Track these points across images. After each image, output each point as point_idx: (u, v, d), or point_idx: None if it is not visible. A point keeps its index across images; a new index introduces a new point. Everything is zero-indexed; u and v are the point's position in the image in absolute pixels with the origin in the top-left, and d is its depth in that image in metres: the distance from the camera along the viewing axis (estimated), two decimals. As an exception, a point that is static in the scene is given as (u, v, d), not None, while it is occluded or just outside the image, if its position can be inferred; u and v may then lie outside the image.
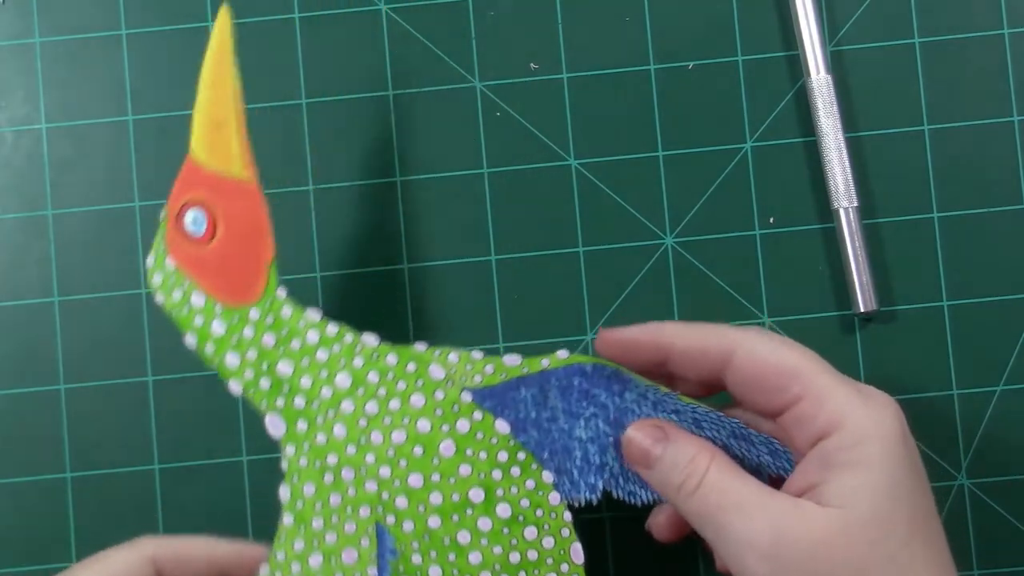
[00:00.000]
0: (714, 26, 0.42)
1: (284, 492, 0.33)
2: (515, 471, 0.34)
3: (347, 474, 0.33)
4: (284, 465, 0.33)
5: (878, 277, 0.40)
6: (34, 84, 0.41)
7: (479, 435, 0.34)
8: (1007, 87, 0.41)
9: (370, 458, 0.33)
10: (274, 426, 0.34)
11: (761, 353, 0.32)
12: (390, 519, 0.33)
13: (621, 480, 0.34)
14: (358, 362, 0.34)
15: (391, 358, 0.34)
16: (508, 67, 0.40)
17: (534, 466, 0.34)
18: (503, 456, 0.34)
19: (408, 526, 0.33)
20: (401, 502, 0.33)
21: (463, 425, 0.34)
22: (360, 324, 0.36)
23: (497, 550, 0.33)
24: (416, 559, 0.33)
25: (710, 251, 0.41)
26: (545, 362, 0.34)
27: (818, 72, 0.40)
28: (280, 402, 0.34)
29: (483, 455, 0.34)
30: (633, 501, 0.34)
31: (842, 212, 0.40)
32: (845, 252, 0.40)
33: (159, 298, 0.34)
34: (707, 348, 0.33)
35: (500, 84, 0.40)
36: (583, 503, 0.34)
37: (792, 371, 0.32)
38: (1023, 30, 0.41)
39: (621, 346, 0.34)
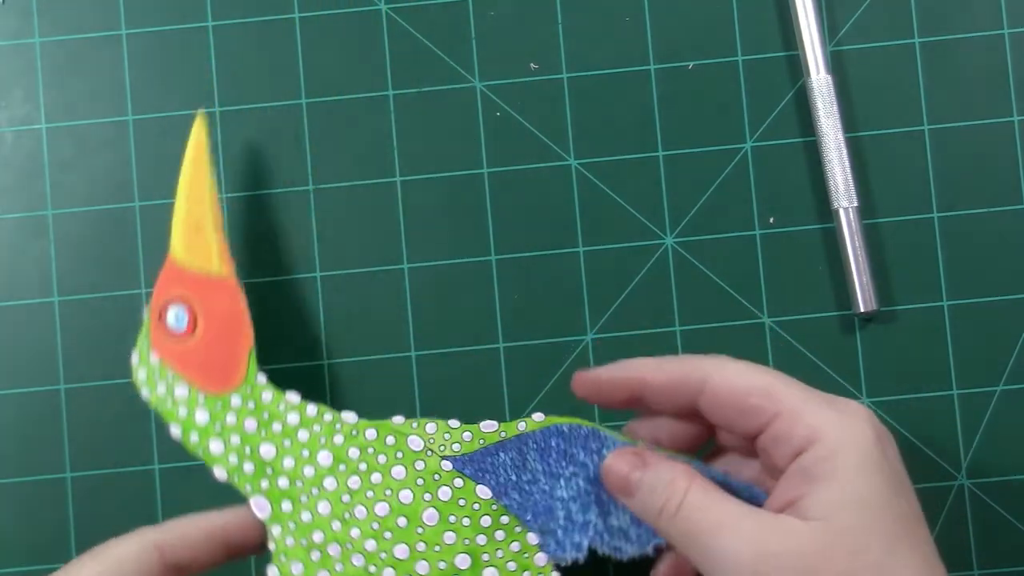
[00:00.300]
0: (714, 26, 0.42)
1: (272, 573, 0.34)
2: (499, 535, 0.35)
3: (333, 550, 0.34)
4: (271, 546, 0.34)
5: (878, 277, 0.40)
6: (34, 84, 0.41)
7: (461, 501, 0.35)
8: (1007, 87, 0.41)
9: (355, 532, 0.34)
10: (260, 508, 0.35)
11: (733, 377, 0.33)
12: None
13: (606, 536, 0.35)
14: (338, 439, 0.35)
15: (370, 433, 0.35)
16: (508, 67, 0.40)
17: (518, 529, 0.35)
18: (486, 521, 0.34)
19: None
20: (388, 574, 0.34)
21: (445, 492, 0.35)
22: (360, 325, 0.37)
23: None
24: None
25: (710, 251, 0.41)
26: (522, 425, 0.35)
27: (818, 72, 0.40)
28: (264, 484, 0.35)
29: (466, 521, 0.34)
30: (619, 556, 0.35)
31: (842, 212, 0.40)
32: (845, 252, 0.40)
33: (144, 393, 0.36)
34: (680, 379, 0.34)
35: (500, 84, 0.40)
36: (569, 562, 0.34)
37: (764, 391, 0.32)
38: (1021, 31, 0.42)
39: (597, 387, 0.35)
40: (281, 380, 0.38)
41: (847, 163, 0.40)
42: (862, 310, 0.40)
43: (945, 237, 0.41)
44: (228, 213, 0.42)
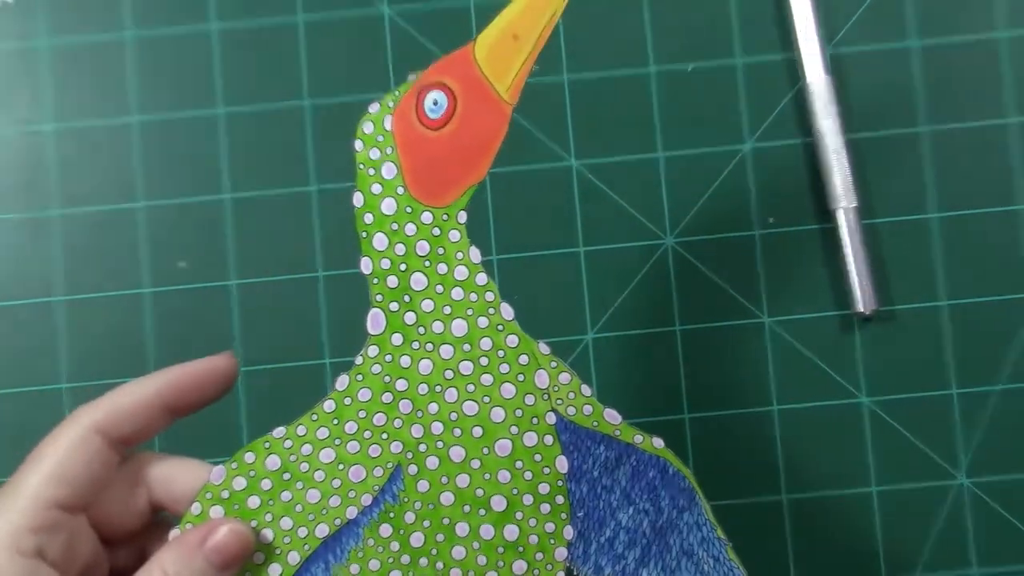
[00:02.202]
0: (713, 28, 0.43)
1: (343, 381, 0.34)
2: (544, 507, 0.35)
3: (404, 407, 0.34)
4: (358, 360, 0.34)
5: (877, 277, 0.41)
6: (40, 86, 0.42)
7: (537, 457, 0.34)
8: (1002, 90, 0.42)
9: (433, 408, 0.34)
10: (375, 323, 0.34)
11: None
12: (412, 469, 0.34)
13: None
14: (483, 322, 0.34)
15: (512, 339, 0.34)
16: (509, 69, 0.40)
17: (563, 515, 0.35)
18: (544, 488, 0.34)
19: (423, 486, 0.34)
20: (431, 462, 0.34)
21: (530, 438, 0.34)
22: (359, 323, 0.37)
23: (481, 560, 0.34)
24: (409, 517, 0.34)
25: (710, 251, 0.42)
26: (639, 439, 0.34)
27: (817, 74, 0.41)
28: (393, 307, 0.34)
29: (528, 475, 0.34)
30: None
31: (841, 212, 0.41)
32: (844, 252, 0.41)
33: (358, 145, 0.34)
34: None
35: (501, 86, 0.40)
36: (577, 575, 0.35)
37: None
38: (1018, 33, 0.42)
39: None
40: (284, 378, 0.38)
41: (846, 164, 0.41)
42: (861, 310, 0.40)
43: (943, 237, 0.42)
44: (233, 213, 0.42)
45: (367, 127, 0.34)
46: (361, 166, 0.34)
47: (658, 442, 0.34)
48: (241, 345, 0.43)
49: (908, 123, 0.42)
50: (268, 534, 0.34)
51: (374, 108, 0.34)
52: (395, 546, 0.34)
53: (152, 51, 0.43)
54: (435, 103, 0.33)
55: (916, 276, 0.42)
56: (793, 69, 0.42)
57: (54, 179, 0.42)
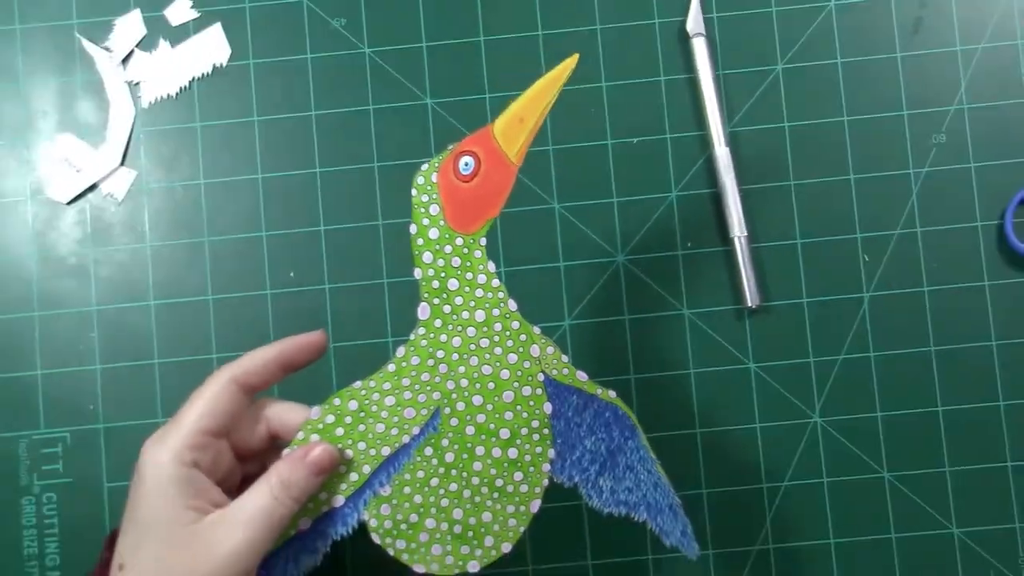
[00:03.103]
0: (650, 115, 0.50)
1: (400, 351, 0.39)
2: (535, 437, 0.39)
3: (442, 368, 0.38)
4: (411, 336, 0.39)
5: (760, 283, 0.49)
6: (196, 153, 0.50)
7: (531, 403, 0.38)
8: (846, 155, 0.50)
9: (461, 369, 0.38)
10: (423, 312, 0.39)
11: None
12: (446, 411, 0.38)
13: (589, 485, 0.39)
14: (495, 312, 0.38)
15: (515, 324, 0.39)
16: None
17: (548, 442, 0.39)
18: (535, 424, 0.39)
19: (454, 422, 0.38)
20: (460, 406, 0.38)
21: (526, 391, 0.39)
22: (411, 313, 0.39)
23: (492, 471, 0.38)
24: (444, 442, 0.38)
25: (650, 265, 0.49)
26: (599, 391, 0.39)
27: (720, 145, 0.49)
28: (435, 301, 0.38)
29: (524, 415, 0.38)
30: (588, 501, 0.40)
31: (737, 239, 0.48)
32: (738, 266, 0.48)
33: (413, 191, 0.38)
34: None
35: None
36: (558, 481, 0.39)
37: None
38: (857, 118, 0.50)
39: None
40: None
41: (739, 206, 0.48)
42: (750, 305, 0.48)
43: (804, 256, 0.49)
44: (326, 240, 0.48)
45: (419, 179, 0.39)
46: (415, 206, 0.38)
47: (612, 393, 0.39)
48: (332, 329, 0.49)
49: (782, 179, 0.49)
50: (348, 453, 0.39)
51: (425, 167, 0.39)
52: (434, 461, 0.39)
53: (272, 129, 0.50)
54: (466, 164, 0.37)
55: (786, 282, 0.49)
56: (704, 142, 0.50)
57: (205, 217, 0.50)
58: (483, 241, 0.38)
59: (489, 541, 0.39)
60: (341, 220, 0.50)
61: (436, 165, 0.38)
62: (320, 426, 0.38)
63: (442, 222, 0.38)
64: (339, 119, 0.51)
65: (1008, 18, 0.51)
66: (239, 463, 0.40)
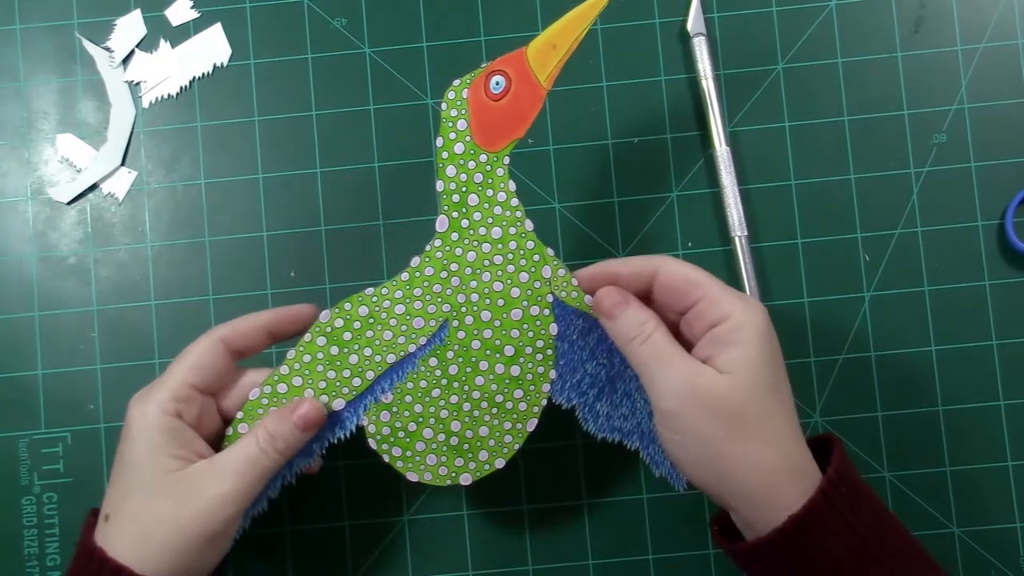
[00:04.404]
0: (651, 114, 0.50)
1: (415, 261, 0.40)
2: (538, 357, 0.40)
3: (454, 281, 0.40)
4: (427, 247, 0.40)
5: (761, 281, 0.49)
6: (196, 153, 0.51)
7: (537, 323, 0.40)
8: (846, 155, 0.50)
9: (472, 284, 0.40)
10: (440, 224, 0.40)
11: (674, 270, 0.39)
12: (455, 323, 0.40)
13: (587, 408, 0.42)
14: (511, 231, 0.40)
15: (529, 244, 0.40)
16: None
17: (551, 363, 0.41)
18: (539, 344, 0.40)
19: (460, 335, 0.40)
20: (468, 320, 0.40)
21: (534, 310, 0.40)
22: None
23: (493, 387, 0.40)
24: (449, 355, 0.40)
25: None
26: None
27: (720, 145, 0.49)
28: (455, 215, 0.40)
29: (530, 334, 0.40)
30: (584, 425, 0.42)
31: (737, 239, 0.49)
32: (739, 265, 0.49)
33: (443, 105, 0.40)
34: (641, 271, 0.39)
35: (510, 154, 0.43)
36: (556, 403, 0.41)
37: (695, 281, 0.38)
38: (856, 118, 0.50)
39: (590, 278, 0.40)
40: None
41: (740, 206, 0.49)
42: None
43: (804, 255, 0.50)
44: (326, 240, 0.49)
45: (450, 94, 0.40)
46: (443, 119, 0.39)
47: None
48: None
49: (782, 178, 0.50)
50: (353, 359, 0.40)
51: (456, 82, 0.40)
52: (438, 372, 0.40)
53: (272, 129, 0.51)
54: (497, 83, 0.39)
55: (787, 281, 0.49)
56: (704, 142, 0.50)
57: (205, 217, 0.51)
58: (506, 160, 0.39)
59: (484, 456, 0.41)
60: (341, 220, 0.51)
61: (468, 81, 0.39)
62: (328, 329, 0.40)
63: (468, 137, 0.39)
64: (339, 119, 0.51)
65: (1008, 18, 0.52)
66: (226, 424, 0.41)
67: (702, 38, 0.50)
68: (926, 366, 0.49)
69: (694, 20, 0.51)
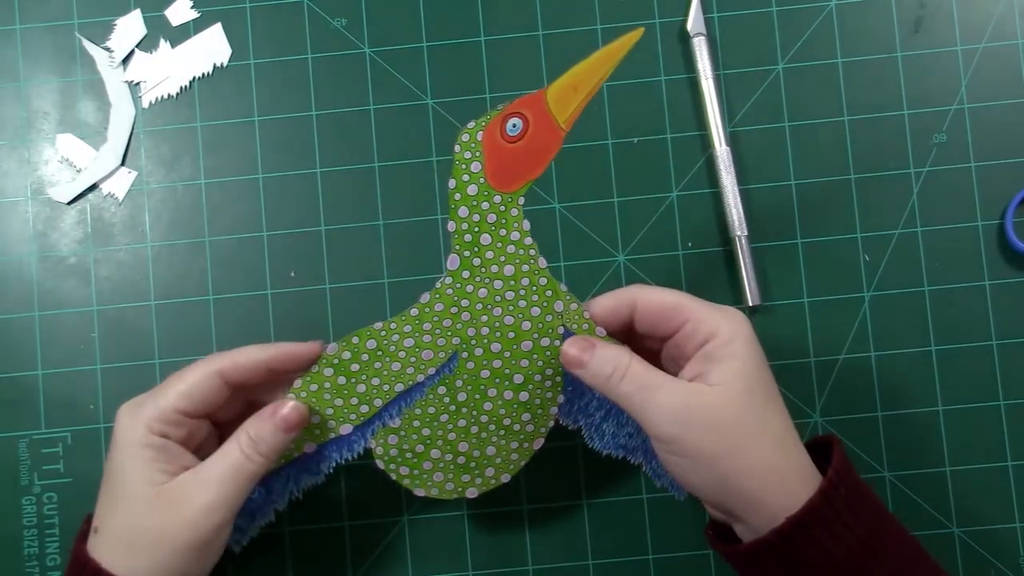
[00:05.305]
0: (651, 114, 0.50)
1: (425, 297, 0.40)
2: (547, 383, 0.41)
3: (464, 316, 0.40)
4: (437, 284, 0.40)
5: (761, 282, 0.49)
6: (196, 153, 0.51)
7: (548, 353, 0.40)
8: (846, 155, 0.50)
9: (484, 318, 0.40)
10: (452, 262, 0.40)
11: (652, 298, 0.39)
12: (464, 355, 0.40)
13: (592, 430, 0.42)
14: (524, 268, 0.39)
15: (542, 280, 0.40)
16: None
17: (560, 388, 0.41)
18: (549, 372, 0.40)
19: (470, 365, 0.40)
20: (478, 352, 0.40)
21: (545, 341, 0.40)
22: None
23: (501, 411, 0.40)
24: (458, 383, 0.40)
25: (649, 265, 0.49)
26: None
27: (720, 145, 0.49)
28: (466, 254, 0.40)
29: (540, 363, 0.40)
30: (590, 444, 0.43)
31: (737, 239, 0.49)
32: (739, 266, 0.49)
33: (456, 147, 0.39)
34: (620, 304, 0.39)
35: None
36: (564, 424, 0.42)
37: (676, 305, 0.38)
38: (856, 118, 0.50)
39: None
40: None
41: (740, 206, 0.49)
42: (751, 304, 0.49)
43: (804, 256, 0.50)
44: (327, 239, 0.49)
45: (464, 136, 0.39)
46: (457, 161, 0.39)
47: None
48: (332, 329, 0.49)
49: (782, 178, 0.50)
50: (361, 388, 0.40)
51: (471, 124, 0.39)
52: (446, 400, 0.40)
53: (272, 129, 0.51)
54: (514, 125, 0.39)
55: (787, 281, 0.49)
56: (704, 142, 0.50)
57: (206, 217, 0.50)
58: (521, 200, 0.39)
59: (490, 472, 0.41)
60: (341, 220, 0.51)
61: (483, 124, 0.39)
62: (335, 361, 0.40)
63: (482, 179, 0.39)
64: (339, 119, 0.51)
65: (1008, 18, 0.52)
66: (216, 429, 0.42)
67: (702, 38, 0.50)
68: (926, 366, 0.49)
69: (694, 20, 0.51)
